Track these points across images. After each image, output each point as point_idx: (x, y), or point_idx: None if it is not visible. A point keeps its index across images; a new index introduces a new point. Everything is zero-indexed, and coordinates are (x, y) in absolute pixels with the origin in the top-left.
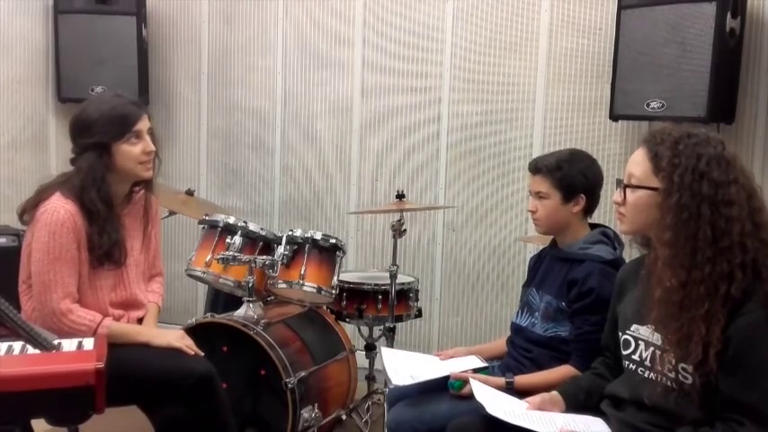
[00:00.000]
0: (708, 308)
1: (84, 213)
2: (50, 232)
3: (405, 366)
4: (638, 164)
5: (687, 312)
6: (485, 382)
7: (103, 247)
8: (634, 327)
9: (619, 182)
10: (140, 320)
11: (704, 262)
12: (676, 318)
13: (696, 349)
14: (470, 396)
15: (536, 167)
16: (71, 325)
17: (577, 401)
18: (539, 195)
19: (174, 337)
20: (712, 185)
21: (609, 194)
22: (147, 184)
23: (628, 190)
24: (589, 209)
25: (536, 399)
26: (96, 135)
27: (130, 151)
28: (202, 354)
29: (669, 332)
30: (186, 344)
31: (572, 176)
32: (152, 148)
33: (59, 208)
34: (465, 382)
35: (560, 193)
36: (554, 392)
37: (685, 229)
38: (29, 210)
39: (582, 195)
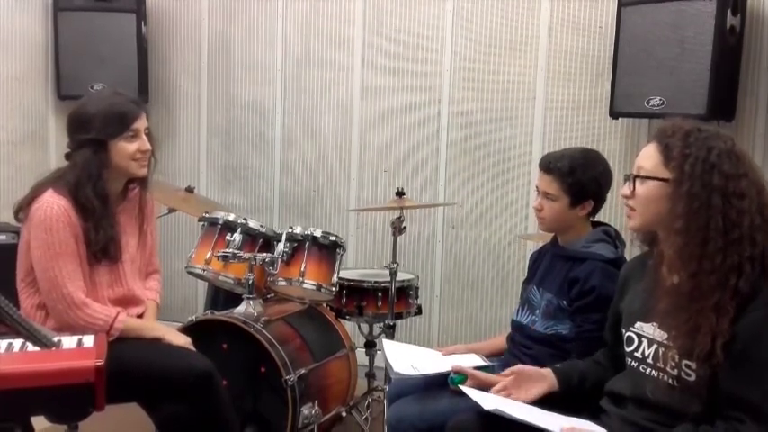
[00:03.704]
0: (718, 299)
1: (78, 209)
2: (47, 228)
3: (406, 357)
4: (649, 157)
5: (697, 303)
6: (485, 381)
7: (99, 242)
8: (638, 324)
9: (627, 176)
10: (140, 317)
11: (715, 252)
12: (686, 309)
13: (704, 340)
14: None
15: (548, 167)
16: (88, 319)
17: (571, 382)
18: (547, 196)
19: (185, 341)
20: (723, 177)
21: (611, 194)
22: (143, 182)
23: (637, 181)
24: (595, 211)
25: (513, 368)
26: (93, 131)
27: (126, 148)
28: None
29: (678, 323)
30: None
31: (584, 183)
32: (148, 147)
33: (53, 204)
34: (466, 376)
35: (569, 197)
36: (546, 369)
37: (696, 219)
38: (24, 207)
39: (590, 201)
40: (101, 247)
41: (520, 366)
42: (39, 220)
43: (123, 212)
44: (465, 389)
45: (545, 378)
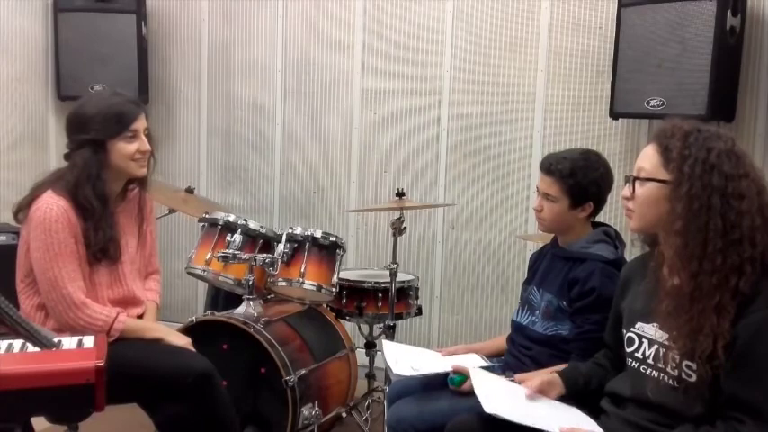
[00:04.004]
0: (719, 299)
1: (78, 210)
2: (46, 229)
3: (406, 358)
4: (649, 158)
5: (698, 304)
6: None
7: (99, 243)
8: (639, 324)
9: (627, 178)
10: (140, 318)
11: (715, 253)
12: (687, 309)
13: (706, 341)
14: (470, 392)
15: (549, 169)
16: (87, 319)
17: (576, 386)
18: (547, 197)
19: (186, 342)
20: (722, 178)
21: (611, 195)
22: (142, 183)
23: (637, 183)
24: (594, 213)
25: (535, 381)
26: (92, 131)
27: (126, 148)
28: None
29: (679, 324)
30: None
31: (584, 185)
32: (147, 147)
33: (52, 205)
34: (465, 376)
35: (569, 199)
36: (554, 375)
37: (696, 220)
38: (23, 208)
39: (590, 203)
40: (100, 248)
41: (536, 380)
42: (38, 221)
43: (123, 213)
44: (473, 377)
45: (554, 386)
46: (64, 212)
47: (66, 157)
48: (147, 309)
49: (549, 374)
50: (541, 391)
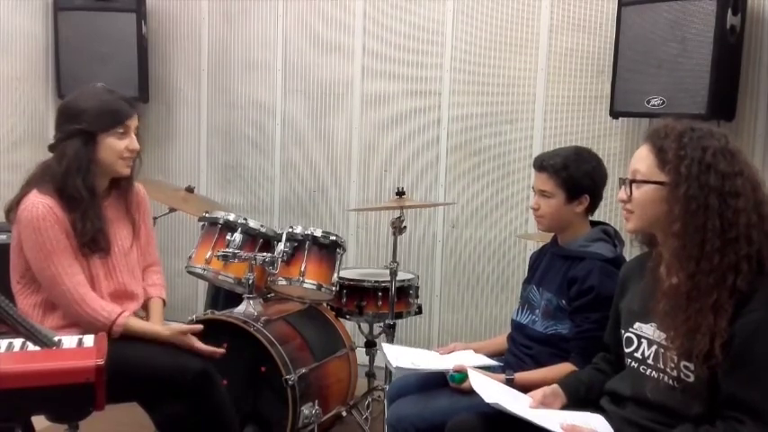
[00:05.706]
0: (716, 298)
1: (64, 203)
2: (35, 229)
3: (406, 356)
4: (643, 159)
5: (695, 303)
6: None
7: (87, 233)
8: (637, 325)
9: (623, 180)
10: (138, 313)
11: (713, 253)
12: (684, 309)
13: (703, 340)
14: (471, 390)
15: (541, 166)
16: (91, 313)
17: (578, 395)
18: (543, 194)
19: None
20: (719, 177)
21: (610, 193)
22: (128, 181)
23: (633, 186)
24: (592, 208)
25: (537, 393)
26: (84, 123)
27: (116, 144)
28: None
29: (676, 324)
30: (188, 343)
31: (578, 178)
32: (137, 146)
33: (37, 204)
34: (466, 374)
35: (565, 193)
36: (555, 386)
37: (694, 220)
38: (14, 207)
39: (586, 196)
40: (90, 238)
41: (538, 393)
42: (26, 221)
43: (110, 207)
44: (471, 374)
45: (557, 397)
46: (50, 210)
47: (52, 147)
48: (153, 306)
49: (550, 387)
50: (545, 403)
